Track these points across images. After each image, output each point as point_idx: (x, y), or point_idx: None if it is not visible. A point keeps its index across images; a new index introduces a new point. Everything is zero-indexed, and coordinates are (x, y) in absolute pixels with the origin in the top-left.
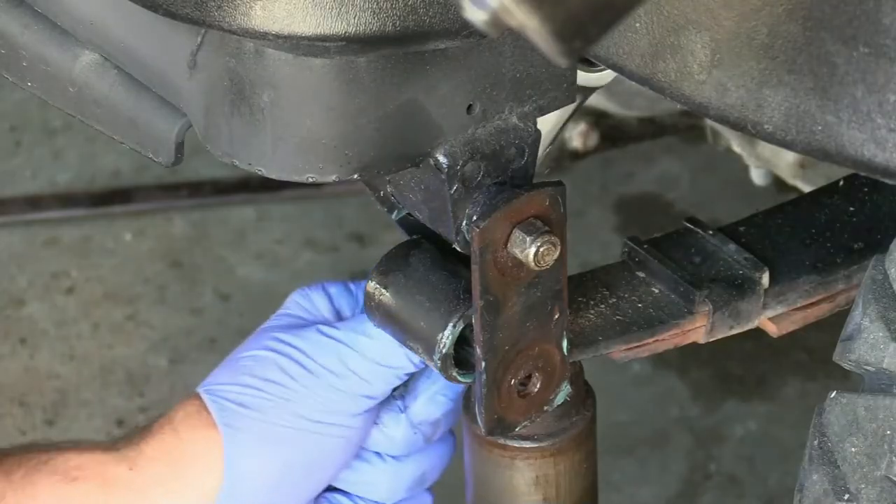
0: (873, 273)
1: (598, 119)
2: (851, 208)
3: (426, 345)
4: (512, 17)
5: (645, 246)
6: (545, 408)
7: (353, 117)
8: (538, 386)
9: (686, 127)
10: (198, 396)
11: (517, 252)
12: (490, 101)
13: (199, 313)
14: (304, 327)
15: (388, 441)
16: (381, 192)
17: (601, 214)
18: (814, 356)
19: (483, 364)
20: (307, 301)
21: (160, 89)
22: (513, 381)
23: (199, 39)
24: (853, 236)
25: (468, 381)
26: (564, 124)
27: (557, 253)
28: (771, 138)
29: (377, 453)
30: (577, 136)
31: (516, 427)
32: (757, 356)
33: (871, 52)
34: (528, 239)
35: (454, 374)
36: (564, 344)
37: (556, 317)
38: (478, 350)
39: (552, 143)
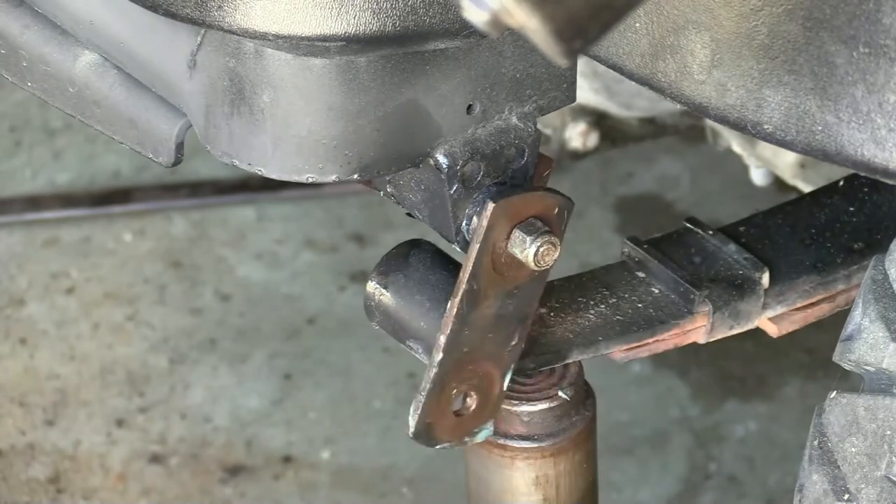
0: (873, 273)
1: (598, 119)
2: (851, 208)
3: (426, 345)
4: (512, 17)
5: (645, 246)
6: (465, 439)
7: (353, 117)
8: (472, 408)
9: (686, 127)
10: None
11: (517, 252)
12: (490, 101)
13: (199, 313)
14: None
15: None
16: None
17: (601, 214)
18: (814, 356)
19: (440, 356)
20: None
21: (160, 89)
22: (455, 390)
23: (199, 39)
24: (853, 236)
25: None
26: None
27: (557, 253)
28: (771, 138)
29: None
30: (577, 136)
31: (437, 444)
32: (757, 356)
33: (871, 52)
34: (528, 239)
35: None
36: (507, 378)
37: (514, 343)
38: (441, 339)
39: None
